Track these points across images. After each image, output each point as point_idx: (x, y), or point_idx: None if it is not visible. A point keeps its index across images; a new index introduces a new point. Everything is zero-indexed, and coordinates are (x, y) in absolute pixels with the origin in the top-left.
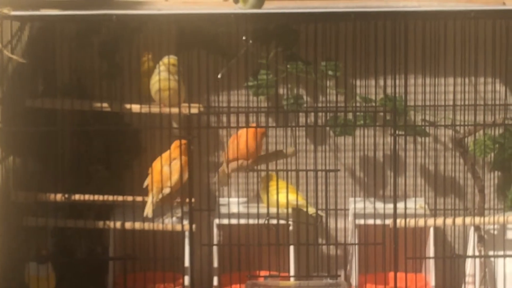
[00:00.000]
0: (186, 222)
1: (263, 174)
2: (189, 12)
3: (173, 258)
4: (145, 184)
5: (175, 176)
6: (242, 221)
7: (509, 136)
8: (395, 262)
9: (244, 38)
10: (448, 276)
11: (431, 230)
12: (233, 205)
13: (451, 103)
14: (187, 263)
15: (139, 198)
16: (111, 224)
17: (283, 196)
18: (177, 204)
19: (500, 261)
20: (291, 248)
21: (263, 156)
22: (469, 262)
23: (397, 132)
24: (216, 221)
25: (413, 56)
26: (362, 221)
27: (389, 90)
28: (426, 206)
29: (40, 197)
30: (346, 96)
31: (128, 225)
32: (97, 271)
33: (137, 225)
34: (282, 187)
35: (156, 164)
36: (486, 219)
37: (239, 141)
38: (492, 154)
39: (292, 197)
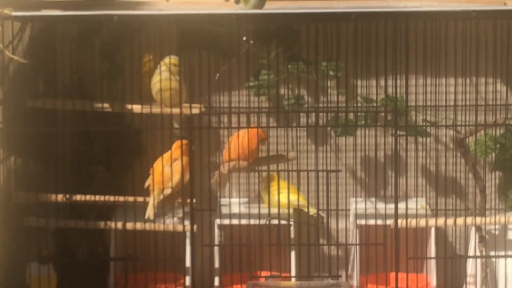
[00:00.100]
0: (187, 223)
1: (264, 174)
2: (190, 13)
3: (174, 258)
4: (146, 184)
5: (177, 177)
6: (243, 221)
7: (510, 136)
8: (396, 262)
9: (244, 38)
10: (449, 276)
11: (432, 230)
12: (234, 205)
13: (452, 103)
14: (188, 263)
15: (140, 199)
16: (112, 224)
17: (284, 197)
18: (178, 205)
19: (501, 261)
20: (292, 248)
21: (263, 158)
22: (470, 262)
23: (398, 132)
24: (217, 221)
25: (414, 56)
26: (363, 222)
27: (390, 90)
28: (427, 206)
29: (41, 197)
30: (347, 96)
31: (129, 225)
32: (98, 272)
33: (138, 225)
34: (283, 187)
35: (157, 165)
36: (487, 219)
37: (237, 141)
38: (493, 154)
39: (293, 197)
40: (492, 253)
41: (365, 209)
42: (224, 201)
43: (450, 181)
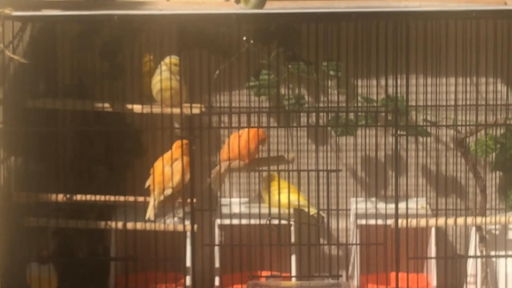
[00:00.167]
0: (187, 222)
1: (264, 174)
2: (190, 12)
3: (175, 258)
4: (147, 184)
5: (177, 177)
6: (244, 221)
7: (511, 136)
8: (396, 262)
9: (244, 38)
10: (450, 276)
11: (433, 230)
12: (235, 205)
13: (452, 103)
14: (188, 263)
15: (140, 199)
16: (113, 224)
17: (285, 196)
18: (179, 205)
19: (501, 261)
20: (293, 248)
21: (263, 159)
22: (470, 262)
23: (398, 132)
24: (218, 221)
25: (415, 56)
26: (363, 221)
27: (390, 90)
28: (428, 206)
29: (42, 197)
30: (348, 96)
31: (129, 225)
32: (99, 272)
33: (139, 225)
34: (284, 187)
35: (158, 165)
36: (488, 219)
37: (235, 141)
38: (494, 154)
39: (293, 197)
40: (492, 253)
41: (366, 209)
42: (224, 201)
43: (450, 181)
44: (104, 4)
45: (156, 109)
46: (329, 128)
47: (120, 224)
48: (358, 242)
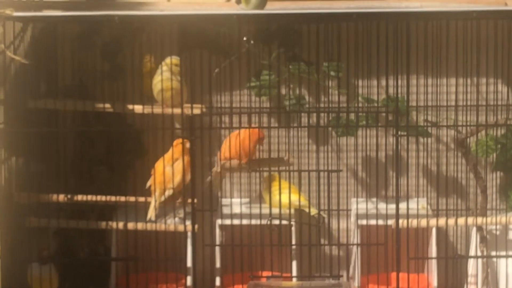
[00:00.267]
0: (188, 223)
1: (265, 174)
2: (191, 13)
3: (176, 258)
4: (148, 185)
5: (178, 177)
6: (245, 221)
7: (511, 136)
8: (397, 262)
9: (245, 38)
10: (451, 276)
11: (433, 231)
12: (236, 205)
13: (453, 103)
14: (189, 263)
15: (141, 199)
16: (114, 224)
17: (286, 197)
18: (180, 205)
19: (502, 261)
20: (294, 248)
21: (264, 160)
22: (471, 263)
23: (399, 132)
24: (219, 221)
25: (415, 56)
26: (364, 222)
27: (391, 91)
28: (428, 207)
29: (43, 197)
30: (348, 97)
31: (130, 225)
32: (100, 272)
33: (140, 225)
34: (285, 187)
35: (159, 165)
36: (489, 219)
37: (232, 140)
38: (494, 155)
39: (294, 197)
40: (493, 253)
41: (366, 209)
42: (225, 201)
43: (451, 181)
44: (105, 4)
45: (157, 110)
46: (329, 128)
47: (121, 225)
48: (359, 243)
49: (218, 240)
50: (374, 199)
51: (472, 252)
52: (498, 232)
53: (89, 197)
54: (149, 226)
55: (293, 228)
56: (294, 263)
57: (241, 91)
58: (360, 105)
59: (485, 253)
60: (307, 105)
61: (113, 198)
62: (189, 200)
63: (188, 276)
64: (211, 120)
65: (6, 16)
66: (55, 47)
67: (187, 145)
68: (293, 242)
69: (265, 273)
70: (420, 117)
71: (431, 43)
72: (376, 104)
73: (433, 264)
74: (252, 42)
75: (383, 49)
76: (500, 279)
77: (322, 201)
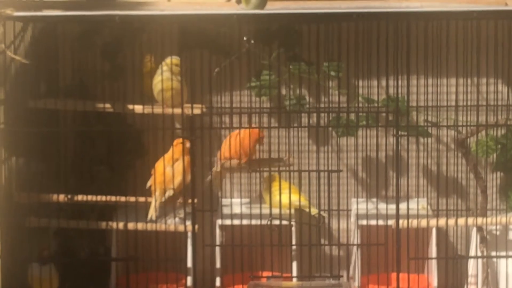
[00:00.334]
0: (188, 223)
1: (265, 174)
2: (191, 13)
3: (176, 258)
4: (148, 185)
5: (178, 178)
6: (245, 221)
7: (511, 136)
8: (397, 262)
9: (245, 38)
10: (451, 276)
11: (434, 231)
12: (236, 205)
13: (453, 103)
14: (189, 263)
15: (141, 199)
16: (114, 224)
17: (286, 197)
18: (180, 205)
19: (502, 261)
20: (294, 248)
21: (264, 160)
22: (471, 263)
23: (399, 132)
24: (219, 221)
25: (416, 56)
26: (364, 222)
27: (391, 91)
28: (429, 207)
29: (43, 197)
30: (349, 97)
31: (130, 225)
32: (100, 272)
33: (140, 225)
34: (285, 187)
35: (159, 165)
36: (489, 219)
37: (232, 140)
38: (494, 155)
39: (294, 197)
40: (493, 254)
41: (367, 209)
42: (225, 201)
43: (451, 182)
44: (105, 4)
45: (157, 110)
46: (330, 128)
47: (121, 225)
48: (359, 243)
49: (218, 240)
50: (374, 199)
51: (472, 253)
52: (498, 232)
53: (90, 197)
54: (150, 226)
55: (293, 228)
56: (294, 263)
57: (242, 91)
58: (360, 105)
59: (485, 253)
60: (307, 105)
61: (113, 198)
62: (189, 200)
63: (188, 276)
64: (211, 120)
65: (7, 15)
66: (56, 47)
67: (187, 145)
68: (293, 242)
69: (265, 273)
70: (420, 117)
71: (431, 43)
72: (376, 104)
73: (433, 264)
74: (252, 42)
75: (383, 49)
76: (500, 279)
77: (322, 201)
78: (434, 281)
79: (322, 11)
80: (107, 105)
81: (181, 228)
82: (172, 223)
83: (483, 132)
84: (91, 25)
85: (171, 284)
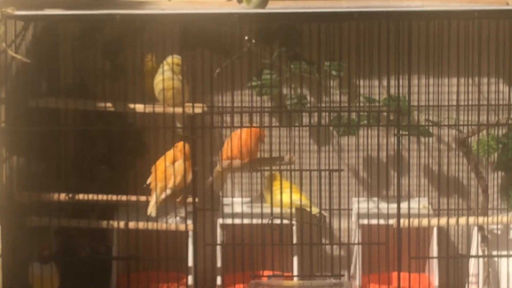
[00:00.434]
0: (189, 222)
1: (266, 174)
2: (192, 12)
3: (177, 258)
4: (148, 181)
5: (178, 178)
6: (246, 221)
7: None
8: (398, 262)
9: (246, 37)
10: (452, 276)
11: (435, 230)
12: (237, 205)
13: (454, 103)
14: (190, 263)
15: (142, 198)
16: (115, 223)
17: (287, 196)
18: (181, 204)
19: (503, 261)
20: (295, 248)
21: (264, 160)
22: (472, 262)
23: (400, 132)
24: (220, 221)
25: (417, 56)
26: (365, 221)
27: (392, 90)
28: (430, 206)
29: (44, 197)
30: (350, 96)
31: (131, 224)
32: (101, 271)
33: (141, 224)
34: (286, 187)
35: (160, 163)
36: (490, 219)
37: (234, 140)
38: (496, 154)
39: (295, 197)
40: (494, 253)
41: (368, 208)
42: (226, 200)
43: (452, 181)
44: (106, 3)
45: (158, 109)
46: (331, 128)
47: (122, 224)
48: (360, 242)
49: (219, 240)
50: (375, 199)
51: (473, 252)
52: (499, 232)
53: (90, 196)
54: (150, 225)
55: (294, 228)
56: (295, 263)
57: (243, 90)
58: (362, 104)
59: (486, 253)
60: (308, 105)
61: (114, 197)
62: (190, 200)
63: (189, 276)
64: (212, 119)
65: (8, 14)
66: (57, 46)
67: (188, 149)
68: (294, 241)
69: (266, 273)
70: (422, 117)
71: (433, 43)
72: (377, 104)
73: (434, 264)
74: (253, 41)
75: (385, 48)
76: (501, 278)
77: (323, 201)
78: (435, 280)
79: (323, 10)
80: (108, 104)
81: (182, 227)
82: (173, 222)
83: (484, 132)
84: (92, 24)
85: (172, 283)
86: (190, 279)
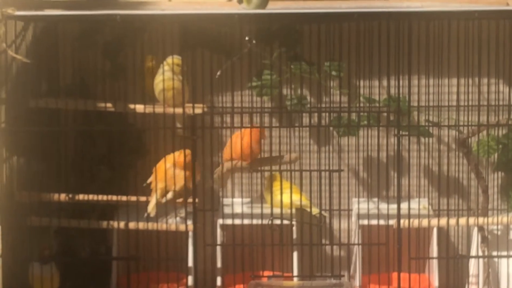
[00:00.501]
0: (189, 222)
1: (267, 174)
2: (192, 12)
3: (177, 258)
4: (148, 181)
5: (179, 185)
6: (246, 221)
7: None
8: (398, 262)
9: (247, 38)
10: (452, 276)
11: (435, 231)
12: (237, 205)
13: (454, 103)
14: (190, 263)
15: (142, 198)
16: (115, 224)
17: (287, 197)
18: (181, 204)
19: (503, 261)
20: (295, 248)
21: (264, 159)
22: (472, 263)
23: (400, 132)
24: (220, 221)
25: (417, 56)
26: (365, 222)
27: (392, 91)
28: (430, 207)
29: (44, 197)
30: (350, 97)
31: (131, 225)
32: (101, 271)
33: (141, 225)
34: (286, 187)
35: (161, 165)
36: (490, 219)
37: (237, 141)
38: (496, 155)
39: (295, 197)
40: (494, 253)
41: (368, 209)
42: (226, 201)
43: (452, 182)
44: (106, 3)
45: (158, 109)
46: (331, 128)
47: (122, 224)
48: (360, 242)
49: (219, 240)
50: (375, 199)
51: (473, 252)
52: (499, 232)
53: (90, 197)
54: (151, 226)
55: (294, 228)
56: (295, 263)
57: (243, 91)
58: (362, 105)
59: (486, 253)
60: (308, 105)
61: (114, 198)
62: (191, 200)
63: (189, 276)
64: (212, 119)
65: (8, 15)
66: (57, 46)
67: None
68: (294, 241)
69: (266, 273)
70: (422, 117)
71: (433, 43)
72: (377, 104)
73: (434, 264)
74: (254, 42)
75: (385, 49)
76: (501, 279)
77: (323, 201)
78: (435, 281)
79: (323, 11)
80: (108, 105)
81: (182, 227)
82: (173, 223)
83: (484, 132)
84: (92, 25)
85: (172, 284)
86: (190, 280)
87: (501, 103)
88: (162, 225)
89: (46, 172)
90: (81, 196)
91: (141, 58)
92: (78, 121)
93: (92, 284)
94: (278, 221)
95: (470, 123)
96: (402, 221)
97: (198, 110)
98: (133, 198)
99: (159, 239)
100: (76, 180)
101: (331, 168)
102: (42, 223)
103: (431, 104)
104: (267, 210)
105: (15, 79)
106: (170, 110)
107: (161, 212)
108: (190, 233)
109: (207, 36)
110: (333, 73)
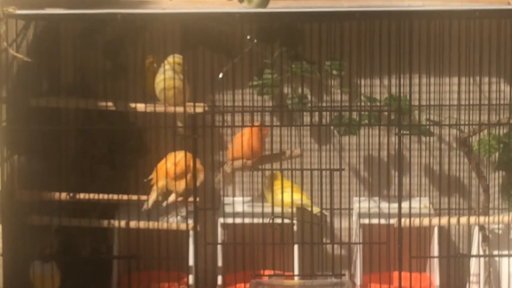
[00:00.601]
0: (190, 221)
1: (267, 173)
2: (193, 11)
3: (178, 257)
4: (149, 178)
5: (181, 187)
6: (247, 220)
7: None
8: (399, 261)
9: (248, 37)
10: (453, 275)
11: (436, 230)
12: (238, 204)
13: (455, 102)
14: (191, 262)
15: (143, 197)
16: (116, 223)
17: (288, 195)
18: (182, 203)
19: (504, 260)
20: (296, 247)
21: (267, 156)
22: (473, 262)
23: (401, 131)
24: (221, 220)
25: (418, 55)
26: (366, 221)
27: (393, 90)
28: (431, 206)
29: (45, 196)
30: (351, 96)
31: (132, 224)
32: (102, 270)
33: (142, 224)
34: (287, 186)
35: (162, 165)
36: (491, 218)
37: (243, 140)
38: (497, 154)
39: (296, 196)
40: (495, 252)
41: (369, 208)
42: (227, 200)
43: (453, 181)
44: (108, 2)
45: (160, 108)
46: (332, 127)
47: (123, 223)
48: (361, 241)
49: (220, 239)
50: (376, 198)
51: (474, 251)
52: (500, 231)
53: (91, 195)
54: (151, 225)
55: (295, 227)
56: (296, 262)
57: (244, 89)
58: (363, 104)
59: (487, 252)
60: (309, 104)
61: (115, 197)
62: (191, 199)
63: (190, 275)
64: (213, 118)
65: (9, 14)
66: (58, 45)
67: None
68: (295, 240)
69: (267, 272)
70: (423, 116)
71: (434, 42)
72: (378, 103)
73: (435, 263)
74: (255, 41)
75: (386, 48)
76: (502, 278)
77: (324, 200)
78: (436, 280)
79: (324, 9)
80: (109, 104)
81: (183, 226)
82: (174, 222)
83: (485, 131)
84: (93, 24)
85: (172, 283)
86: (191, 279)
87: (502, 102)
88: (163, 224)
89: (47, 171)
90: (82, 195)
91: (142, 57)
92: (79, 120)
93: (93, 283)
94: (279, 220)
95: (471, 122)
96: (403, 220)
97: (199, 109)
98: (134, 197)
99: (160, 238)
100: (77, 179)
101: (332, 167)
102: (43, 222)
103: (432, 103)
104: (268, 209)
105: (16, 78)
106: (171, 109)
107: (162, 211)
108: (191, 232)
109: (208, 35)
110: (334, 72)
